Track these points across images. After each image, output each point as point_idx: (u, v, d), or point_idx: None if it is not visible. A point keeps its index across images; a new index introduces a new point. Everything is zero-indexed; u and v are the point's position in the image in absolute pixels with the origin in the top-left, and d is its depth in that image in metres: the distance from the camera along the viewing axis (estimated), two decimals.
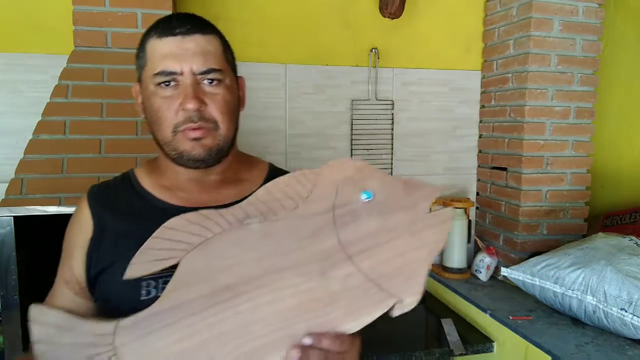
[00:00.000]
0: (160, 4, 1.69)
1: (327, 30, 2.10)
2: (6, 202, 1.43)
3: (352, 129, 2.16)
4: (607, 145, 2.09)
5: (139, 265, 0.61)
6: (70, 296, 0.78)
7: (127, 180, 0.83)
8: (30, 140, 1.53)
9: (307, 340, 0.58)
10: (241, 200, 0.74)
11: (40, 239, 1.61)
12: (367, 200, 0.65)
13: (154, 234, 0.62)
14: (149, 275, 0.64)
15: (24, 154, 1.51)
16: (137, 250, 0.64)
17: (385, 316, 0.61)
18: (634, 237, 1.62)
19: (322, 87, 2.12)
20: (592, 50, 2.01)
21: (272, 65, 2.02)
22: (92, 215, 0.78)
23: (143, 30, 1.74)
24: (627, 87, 2.01)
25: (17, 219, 1.41)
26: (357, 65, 2.15)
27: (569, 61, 1.99)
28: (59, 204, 1.46)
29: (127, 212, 0.78)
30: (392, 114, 2.20)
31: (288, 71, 2.07)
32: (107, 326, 0.60)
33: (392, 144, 2.21)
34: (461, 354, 1.65)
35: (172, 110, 0.72)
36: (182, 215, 0.63)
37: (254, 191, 0.79)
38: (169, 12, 1.70)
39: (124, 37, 1.67)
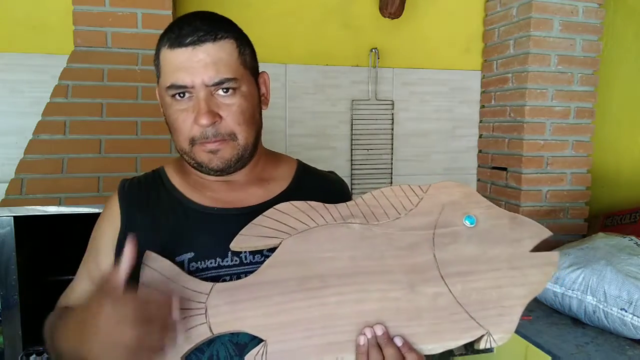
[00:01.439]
0: (160, 4, 1.69)
1: (327, 30, 2.10)
2: (6, 202, 1.43)
3: (352, 129, 2.16)
4: (607, 145, 2.09)
5: (247, 238, 0.64)
6: None
7: (158, 177, 0.81)
8: (30, 140, 1.53)
9: (398, 341, 0.60)
10: (269, 201, 0.75)
11: (40, 239, 1.61)
12: (470, 226, 0.66)
13: (264, 213, 0.65)
14: (251, 249, 0.67)
15: (24, 154, 1.51)
16: (167, 250, 0.66)
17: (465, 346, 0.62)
18: (634, 237, 1.62)
19: (322, 87, 2.12)
20: (592, 50, 2.01)
21: (272, 65, 2.02)
22: (121, 212, 0.77)
23: (143, 31, 1.76)
24: (627, 87, 2.01)
25: (17, 219, 1.41)
26: (357, 65, 2.15)
27: (569, 61, 1.99)
28: (59, 204, 1.46)
29: (157, 210, 0.76)
30: (392, 114, 2.20)
31: (288, 71, 2.06)
32: (204, 286, 0.63)
33: (392, 144, 2.21)
34: (461, 354, 1.65)
35: (187, 124, 0.70)
36: (292, 202, 0.66)
37: (283, 190, 0.79)
38: (169, 12, 1.70)
39: (124, 37, 1.67)
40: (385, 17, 2.09)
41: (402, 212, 0.66)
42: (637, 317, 1.37)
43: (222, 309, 0.62)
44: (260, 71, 0.80)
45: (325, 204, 0.67)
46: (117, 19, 1.66)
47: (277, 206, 0.66)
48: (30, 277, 1.52)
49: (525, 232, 0.66)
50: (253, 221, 0.65)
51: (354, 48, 2.14)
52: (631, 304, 1.38)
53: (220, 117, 0.70)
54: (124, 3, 1.66)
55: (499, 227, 0.66)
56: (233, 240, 0.64)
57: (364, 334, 0.61)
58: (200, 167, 0.74)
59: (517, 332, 1.58)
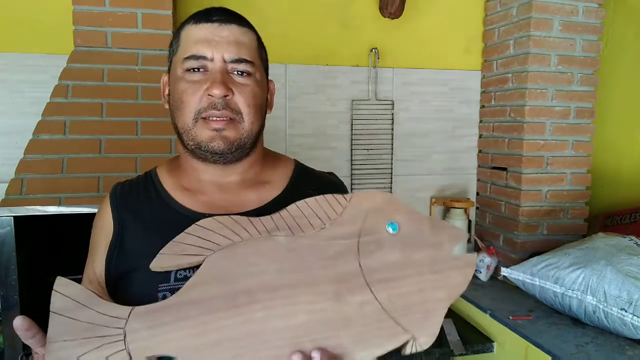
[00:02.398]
0: (160, 4, 1.69)
1: (327, 30, 2.10)
2: (6, 202, 1.43)
3: (352, 129, 2.16)
4: (607, 145, 2.09)
5: (168, 257, 0.62)
6: None
7: (150, 180, 0.80)
8: (30, 140, 1.53)
9: (315, 354, 0.58)
10: (263, 206, 0.75)
11: (40, 239, 1.62)
12: (392, 232, 0.67)
13: (186, 230, 0.64)
14: (173, 269, 0.65)
15: (24, 154, 1.51)
16: (150, 258, 0.64)
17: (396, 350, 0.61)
18: (634, 237, 1.62)
19: (322, 87, 2.12)
20: (592, 50, 2.01)
21: (272, 65, 1.99)
22: (113, 216, 0.77)
23: (143, 31, 1.77)
24: (627, 87, 2.01)
25: (17, 219, 1.41)
26: (357, 65, 2.15)
27: (569, 61, 1.99)
28: (59, 204, 1.46)
29: (148, 216, 0.76)
30: (392, 114, 2.20)
31: (288, 71, 2.07)
32: (122, 310, 0.60)
33: (392, 144, 2.21)
34: (461, 354, 1.65)
35: (197, 96, 0.70)
36: (215, 217, 0.65)
37: (279, 194, 0.79)
38: (169, 12, 1.70)
39: (124, 37, 1.67)
40: (385, 17, 2.09)
41: (326, 222, 0.66)
42: (637, 317, 1.37)
43: (142, 334, 0.59)
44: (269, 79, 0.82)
45: (250, 218, 0.66)
46: (117, 19, 1.66)
47: (199, 222, 0.64)
48: (30, 277, 1.52)
49: (444, 236, 0.68)
50: (174, 239, 0.63)
51: (354, 48, 2.14)
52: (631, 304, 1.38)
53: (233, 93, 0.71)
54: (124, 3, 1.66)
55: (420, 232, 0.67)
56: (153, 260, 0.62)
57: (299, 355, 0.58)
58: (199, 148, 0.72)
59: (517, 332, 1.59)
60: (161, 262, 0.62)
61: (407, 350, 0.61)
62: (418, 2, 2.17)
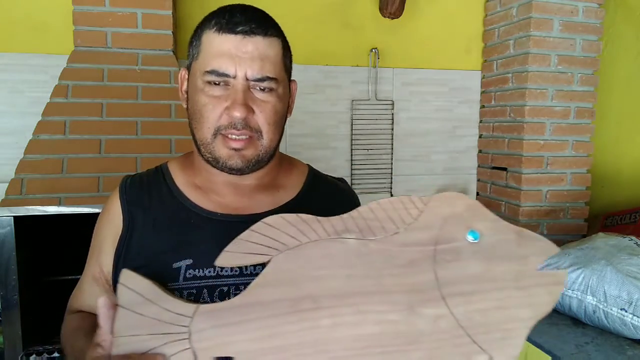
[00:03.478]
0: (160, 4, 1.69)
1: (327, 30, 2.10)
2: (6, 202, 1.43)
3: (352, 129, 2.16)
4: (607, 145, 2.09)
5: (232, 255, 0.60)
6: (98, 293, 0.72)
7: (161, 175, 0.79)
8: (30, 140, 1.53)
9: None
10: (276, 209, 0.73)
11: (40, 239, 1.62)
12: (473, 241, 0.61)
13: (252, 227, 0.61)
14: (236, 266, 0.63)
15: (24, 154, 1.51)
16: (165, 255, 0.62)
17: None
18: (634, 237, 1.62)
19: (322, 87, 2.12)
20: (592, 50, 2.01)
21: None
22: (122, 210, 0.75)
23: (143, 31, 1.76)
24: (627, 87, 2.01)
25: (17, 219, 1.41)
26: (357, 65, 2.15)
27: (569, 61, 1.99)
28: (59, 204, 1.46)
29: (159, 212, 0.74)
30: (392, 114, 2.20)
31: None
32: (187, 308, 0.59)
33: (392, 144, 2.21)
34: None
35: (216, 112, 0.68)
36: (282, 215, 0.61)
37: (291, 199, 0.77)
38: (169, 12, 1.70)
39: (124, 37, 1.67)
40: (385, 17, 2.09)
41: (400, 227, 0.61)
42: (637, 317, 1.37)
43: (207, 333, 0.58)
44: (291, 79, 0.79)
45: (318, 217, 0.62)
46: (117, 19, 1.66)
47: (265, 220, 0.61)
48: (30, 277, 1.52)
49: (531, 249, 0.62)
50: (239, 236, 0.60)
51: (354, 48, 2.14)
52: (631, 304, 1.38)
53: (253, 112, 0.69)
54: (124, 3, 1.66)
55: (504, 243, 0.62)
56: (218, 257, 0.60)
57: None
58: (216, 162, 0.71)
59: None
60: (226, 259, 0.60)
61: None
62: (418, 2, 2.17)
